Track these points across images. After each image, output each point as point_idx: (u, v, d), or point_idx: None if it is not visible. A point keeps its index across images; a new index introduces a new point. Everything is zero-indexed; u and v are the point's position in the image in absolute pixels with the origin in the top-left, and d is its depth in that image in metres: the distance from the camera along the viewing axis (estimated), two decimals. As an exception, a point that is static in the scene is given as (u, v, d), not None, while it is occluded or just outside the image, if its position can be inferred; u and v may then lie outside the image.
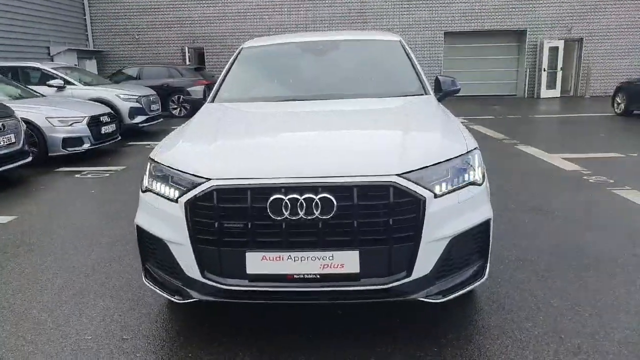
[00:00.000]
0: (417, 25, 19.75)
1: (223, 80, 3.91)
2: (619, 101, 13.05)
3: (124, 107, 10.37)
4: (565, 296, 3.00)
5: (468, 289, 2.49)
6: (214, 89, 3.82)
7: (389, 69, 3.93)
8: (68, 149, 7.71)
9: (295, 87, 3.79)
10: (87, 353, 2.53)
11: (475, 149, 2.60)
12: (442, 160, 2.39)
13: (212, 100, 3.70)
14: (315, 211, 2.19)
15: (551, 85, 20.38)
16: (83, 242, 4.16)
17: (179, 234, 2.35)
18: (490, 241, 2.54)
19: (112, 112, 8.95)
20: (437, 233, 2.30)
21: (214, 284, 2.34)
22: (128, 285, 3.28)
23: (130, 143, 9.83)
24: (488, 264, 2.56)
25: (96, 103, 9.07)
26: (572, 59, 20.57)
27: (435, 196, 2.29)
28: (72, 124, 7.73)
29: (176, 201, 2.35)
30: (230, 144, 2.65)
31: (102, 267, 3.62)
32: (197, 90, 4.03)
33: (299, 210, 2.19)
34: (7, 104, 6.86)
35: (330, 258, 2.25)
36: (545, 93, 20.27)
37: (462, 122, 3.07)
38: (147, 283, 2.64)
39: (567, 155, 7.50)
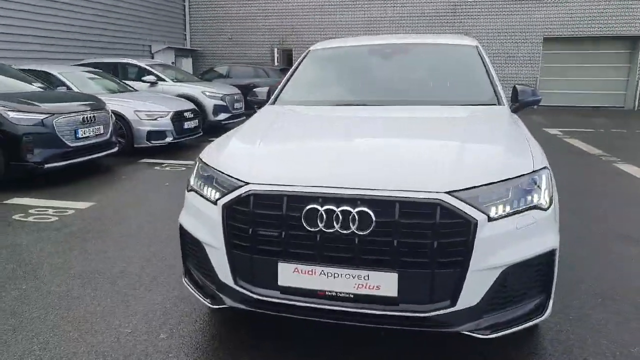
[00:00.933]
0: (514, 30, 18.65)
1: (287, 82, 3.84)
2: None
3: (209, 104, 10.77)
4: (651, 345, 2.58)
5: (522, 326, 2.18)
6: (277, 90, 3.77)
7: (462, 76, 3.64)
8: (152, 141, 8.13)
9: (358, 91, 3.63)
10: (124, 347, 2.56)
11: (543, 168, 2.29)
12: (501, 179, 2.13)
13: (273, 102, 3.65)
14: (351, 225, 2.03)
15: (670, 96, 18.34)
16: (146, 234, 4.30)
17: (215, 237, 2.29)
18: (555, 274, 2.22)
19: (195, 108, 9.31)
20: (489, 261, 2.04)
21: (246, 292, 2.26)
22: (177, 281, 3.31)
23: (211, 139, 10.06)
24: (551, 301, 2.24)
25: (182, 99, 9.49)
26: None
27: (489, 219, 2.04)
28: (157, 118, 8.14)
29: (215, 203, 2.30)
30: (273, 148, 2.56)
31: (157, 260, 3.71)
32: (262, 92, 4.00)
33: (335, 223, 2.05)
34: (101, 97, 7.34)
35: (366, 278, 2.08)
36: (662, 104, 18.28)
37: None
38: (185, 283, 2.63)
39: (675, 178, 6.63)
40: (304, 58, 4.06)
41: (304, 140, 2.69)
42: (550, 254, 2.18)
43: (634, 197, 5.68)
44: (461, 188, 2.05)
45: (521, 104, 3.49)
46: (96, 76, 9.21)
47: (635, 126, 13.24)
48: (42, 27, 12.96)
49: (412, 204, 2.02)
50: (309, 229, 2.08)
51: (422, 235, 2.01)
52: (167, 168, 7.31)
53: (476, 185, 2.08)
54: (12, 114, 5.63)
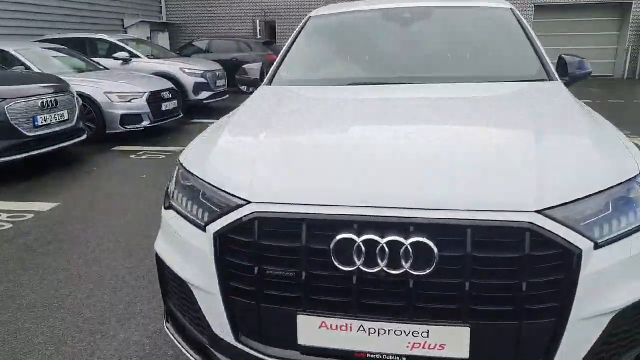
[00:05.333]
0: (505, -3, 17.97)
1: (284, 56, 3.15)
2: None
3: (188, 82, 9.95)
4: None
5: (634, 386, 1.62)
6: (273, 67, 3.07)
7: (499, 45, 2.98)
8: (126, 126, 7.33)
9: (375, 66, 2.95)
10: (89, 416, 1.93)
11: (645, 166, 1.69)
12: (603, 188, 1.52)
13: (270, 82, 2.95)
14: (404, 263, 1.41)
15: (659, 64, 18.03)
16: (121, 243, 3.62)
17: (205, 276, 1.65)
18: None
19: (173, 87, 8.50)
20: (597, 305, 1.45)
21: (252, 351, 1.64)
22: (158, 309, 2.67)
23: (193, 120, 9.40)
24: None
25: (158, 77, 8.66)
26: (684, 35, 18.07)
27: (596, 246, 1.43)
28: (131, 99, 7.34)
29: (204, 229, 1.66)
30: (281, 149, 1.88)
31: (134, 278, 3.05)
32: (254, 69, 3.31)
33: (379, 260, 1.42)
34: (65, 77, 6.51)
35: (425, 335, 1.47)
36: (651, 73, 17.98)
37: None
38: (167, 330, 1.98)
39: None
40: (303, 26, 3.36)
41: (323, 136, 2.00)
42: (668, 284, 1.59)
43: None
44: (556, 204, 1.44)
45: (571, 79, 2.88)
46: (60, 53, 8.30)
47: (630, 96, 12.82)
48: (0, -1, 11.82)
49: (492, 229, 1.41)
50: (342, 267, 1.45)
51: (505, 273, 1.41)
52: (144, 156, 6.56)
53: (573, 199, 1.47)
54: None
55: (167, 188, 1.98)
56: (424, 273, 1.41)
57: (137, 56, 10.10)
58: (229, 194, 1.64)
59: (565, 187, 1.49)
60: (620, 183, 1.56)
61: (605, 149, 1.75)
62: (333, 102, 2.42)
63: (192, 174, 1.84)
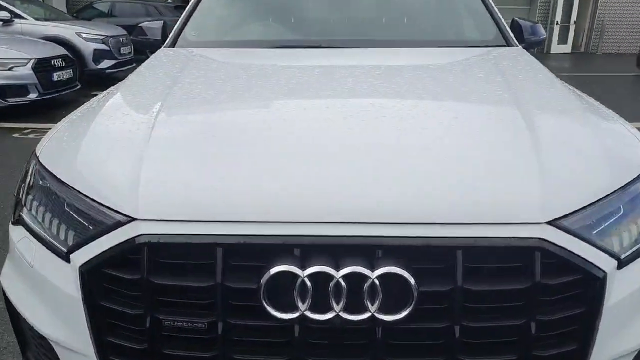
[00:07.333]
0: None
1: (191, 12, 2.51)
2: (648, 60, 11.80)
3: (87, 48, 8.79)
4: None
5: None
6: (177, 25, 2.43)
7: (449, 4, 2.57)
8: (8, 99, 6.24)
9: (303, 25, 2.42)
10: None
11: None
12: (617, 188, 1.15)
13: (172, 44, 2.32)
14: (369, 304, 0.97)
15: (563, 39, 18.97)
16: (-10, 246, 2.89)
17: (72, 330, 1.12)
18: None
19: (68, 54, 7.40)
20: (622, 343, 1.10)
21: None
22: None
23: (94, 92, 8.28)
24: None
25: (49, 42, 7.51)
26: (586, 12, 19.07)
27: (620, 265, 1.06)
28: (13, 67, 6.24)
29: (67, 258, 1.10)
30: (183, 136, 1.31)
31: (3, 297, 2.37)
32: (153, 28, 2.66)
33: (333, 302, 0.97)
34: None
35: (398, 402, 1.04)
36: (555, 48, 18.88)
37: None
38: (27, 393, 1.41)
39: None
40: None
41: (245, 117, 1.43)
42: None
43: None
44: (569, 212, 1.05)
45: (527, 45, 2.53)
46: None
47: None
48: None
49: (490, 250, 1.00)
50: (278, 315, 0.98)
51: (508, 311, 1.02)
52: (32, 135, 5.60)
53: (587, 204, 1.08)
54: None
55: (17, 192, 1.37)
56: (398, 317, 0.97)
57: (22, 17, 8.73)
58: (102, 205, 1.09)
59: (576, 189, 1.11)
60: (634, 179, 1.19)
61: (609, 136, 1.37)
62: (257, 70, 1.86)
63: (51, 173, 1.25)
